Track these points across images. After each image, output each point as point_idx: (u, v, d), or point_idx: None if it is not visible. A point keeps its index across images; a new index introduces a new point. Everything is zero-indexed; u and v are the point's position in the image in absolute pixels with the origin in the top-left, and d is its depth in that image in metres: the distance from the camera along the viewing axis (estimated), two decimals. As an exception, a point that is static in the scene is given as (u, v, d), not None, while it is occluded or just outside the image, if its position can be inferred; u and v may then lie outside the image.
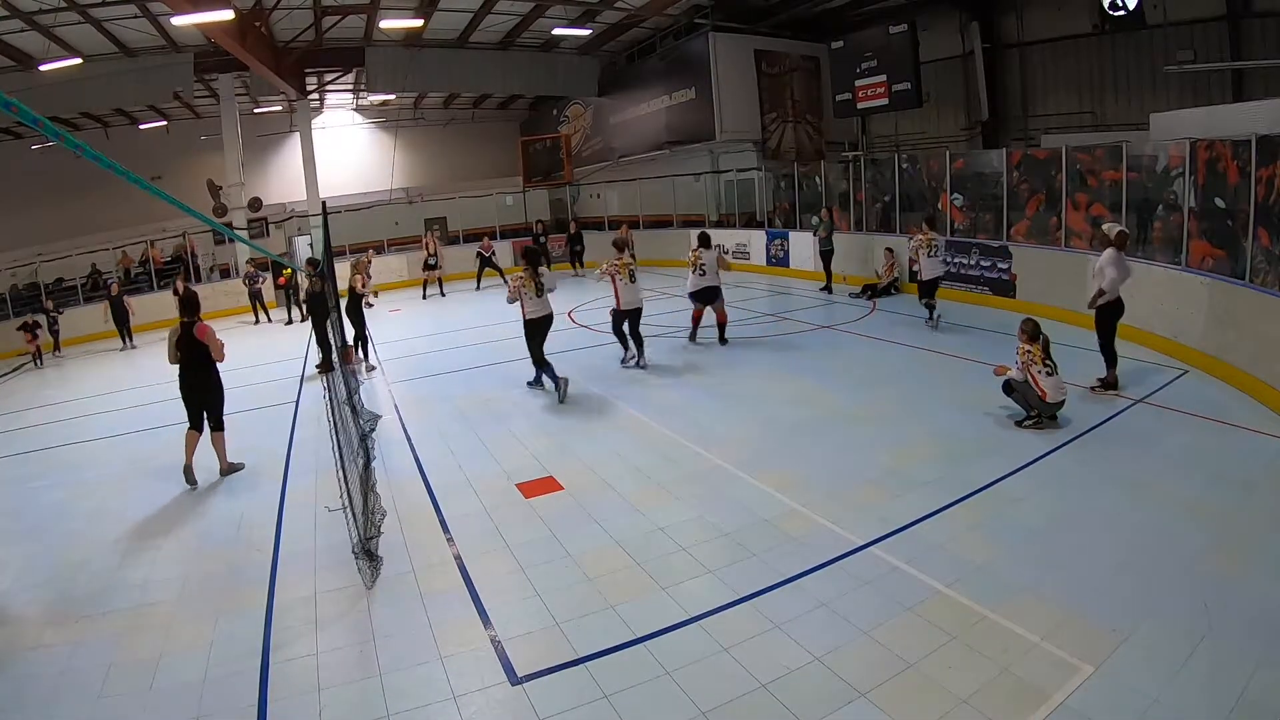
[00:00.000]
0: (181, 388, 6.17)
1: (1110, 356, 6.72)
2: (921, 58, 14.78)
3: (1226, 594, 3.55)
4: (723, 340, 9.59)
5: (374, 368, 10.07)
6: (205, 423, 6.22)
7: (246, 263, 16.34)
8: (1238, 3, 11.43)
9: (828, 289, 13.05)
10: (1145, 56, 12.72)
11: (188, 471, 6.11)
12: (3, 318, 15.53)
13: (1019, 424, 5.96)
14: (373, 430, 7.09)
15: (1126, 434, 5.75)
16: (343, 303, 9.21)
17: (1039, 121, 14.83)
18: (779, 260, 15.91)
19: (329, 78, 19.93)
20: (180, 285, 14.68)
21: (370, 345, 10.34)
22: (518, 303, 7.71)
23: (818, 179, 15.65)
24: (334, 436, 5.06)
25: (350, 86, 21.75)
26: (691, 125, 18.17)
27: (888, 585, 3.84)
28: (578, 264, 18.38)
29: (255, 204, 18.57)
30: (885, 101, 15.31)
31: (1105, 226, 7.14)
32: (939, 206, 12.35)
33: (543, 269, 7.83)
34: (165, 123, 21.18)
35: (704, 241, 9.74)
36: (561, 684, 3.27)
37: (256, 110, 21.39)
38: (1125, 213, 8.98)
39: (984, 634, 3.39)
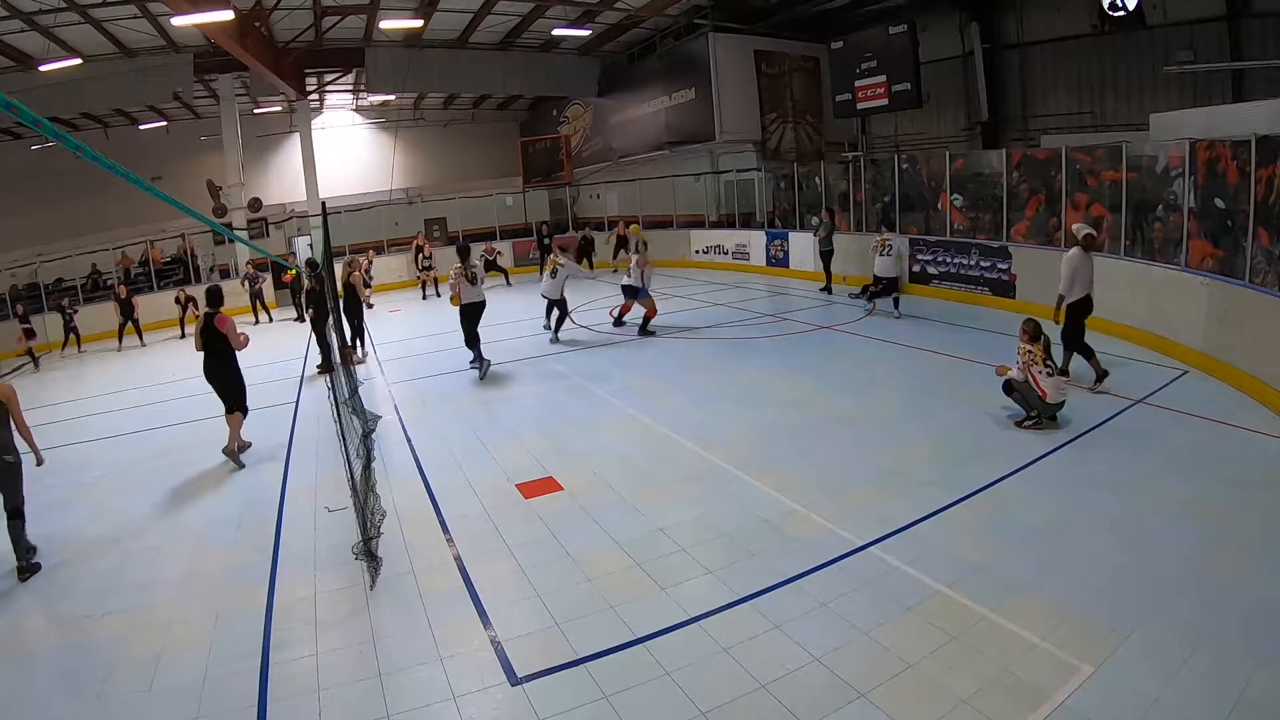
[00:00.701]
0: (204, 372, 6.73)
1: (1085, 350, 6.82)
2: (921, 58, 14.77)
3: (1226, 594, 3.55)
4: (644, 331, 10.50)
5: (365, 356, 10.63)
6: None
7: (246, 264, 16.34)
8: (1238, 3, 11.44)
9: (827, 289, 13.05)
10: (1145, 57, 12.72)
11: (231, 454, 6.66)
12: (2, 318, 15.53)
13: (1019, 424, 5.96)
14: (373, 430, 7.11)
15: (1126, 434, 5.75)
16: (341, 302, 9.34)
17: (1039, 122, 14.85)
18: (779, 261, 15.92)
19: (329, 78, 19.95)
20: (182, 294, 14.87)
21: (366, 337, 10.82)
22: (455, 294, 8.84)
23: (817, 179, 15.65)
24: (340, 437, 5.07)
25: (350, 87, 21.76)
26: (691, 125, 18.18)
27: (888, 585, 3.84)
28: (586, 264, 18.35)
29: (255, 204, 18.57)
30: (885, 102, 15.31)
31: (1075, 228, 7.29)
32: (939, 207, 12.36)
33: (474, 263, 9.09)
34: (165, 123, 21.19)
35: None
36: (561, 684, 3.27)
37: (256, 110, 21.39)
38: (1125, 213, 8.98)
39: (984, 634, 3.39)
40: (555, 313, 10.49)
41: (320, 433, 7.22)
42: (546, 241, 18.26)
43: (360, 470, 4.63)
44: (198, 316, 6.78)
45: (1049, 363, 5.85)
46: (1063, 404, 5.87)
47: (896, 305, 10.66)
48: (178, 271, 18.55)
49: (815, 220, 13.54)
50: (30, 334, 13.89)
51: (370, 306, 12.88)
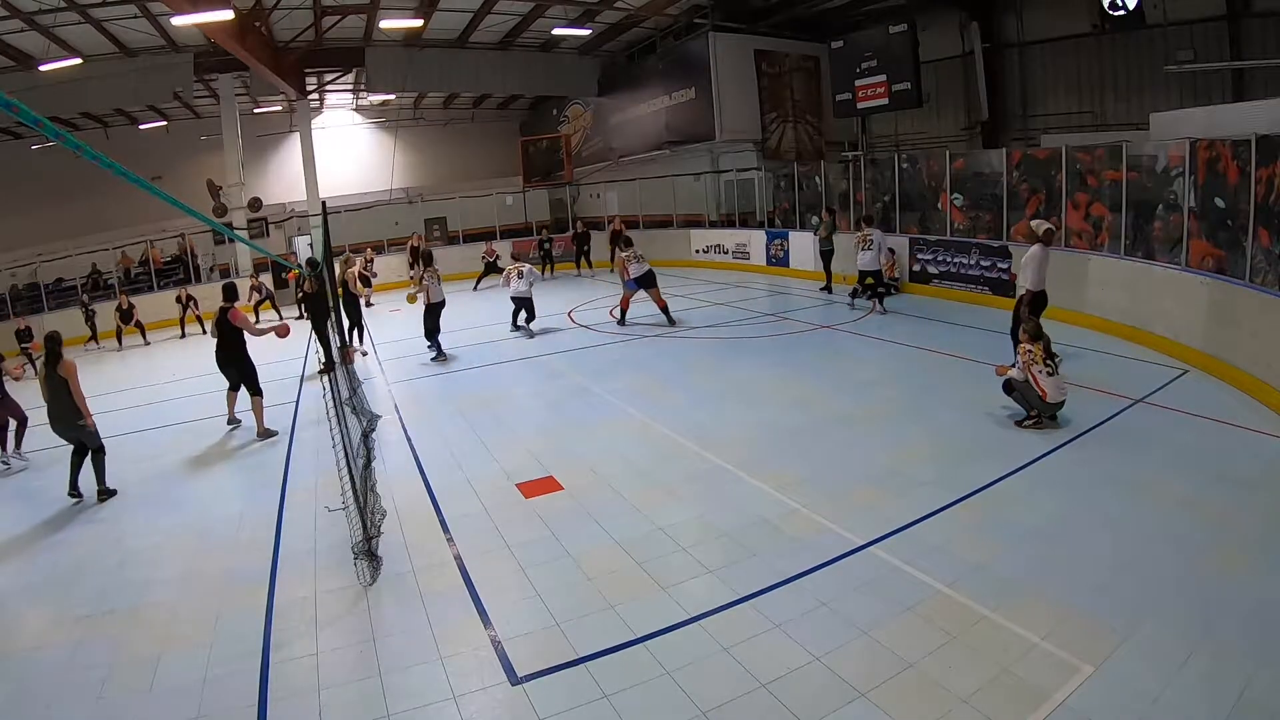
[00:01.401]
0: (217, 359, 7.42)
1: (1016, 339, 6.92)
2: (921, 58, 14.76)
3: (1226, 594, 3.55)
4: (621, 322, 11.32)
5: (365, 353, 10.97)
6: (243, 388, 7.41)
7: (250, 278, 16.28)
8: (1238, 2, 11.43)
9: (828, 289, 13.05)
10: (1145, 56, 12.72)
11: (231, 420, 7.69)
12: (2, 318, 15.53)
13: (1019, 424, 5.96)
14: (373, 430, 7.12)
15: (1126, 434, 5.75)
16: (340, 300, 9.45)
17: (1039, 121, 14.84)
18: (779, 260, 15.92)
19: (329, 78, 19.94)
20: (183, 294, 14.96)
21: (366, 335, 11.16)
22: (423, 295, 10.11)
23: (818, 179, 15.65)
24: (343, 436, 5.07)
25: (350, 86, 21.75)
26: (691, 125, 18.17)
27: (888, 585, 3.84)
28: (584, 263, 18.39)
29: (255, 204, 18.58)
30: (885, 101, 15.30)
31: (1034, 223, 7.43)
32: (939, 206, 12.36)
33: (436, 267, 10.53)
34: (165, 123, 21.18)
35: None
36: (561, 684, 3.27)
37: (256, 110, 21.40)
38: (1125, 212, 8.98)
39: (984, 634, 3.39)
40: (523, 313, 11.31)
41: (320, 433, 7.20)
42: (546, 246, 18.29)
43: (360, 470, 4.63)
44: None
45: (1049, 362, 5.85)
46: (1063, 403, 5.87)
47: (881, 301, 10.91)
48: (178, 271, 18.56)
49: (816, 220, 13.55)
50: (27, 335, 13.88)
51: (370, 305, 12.92)
